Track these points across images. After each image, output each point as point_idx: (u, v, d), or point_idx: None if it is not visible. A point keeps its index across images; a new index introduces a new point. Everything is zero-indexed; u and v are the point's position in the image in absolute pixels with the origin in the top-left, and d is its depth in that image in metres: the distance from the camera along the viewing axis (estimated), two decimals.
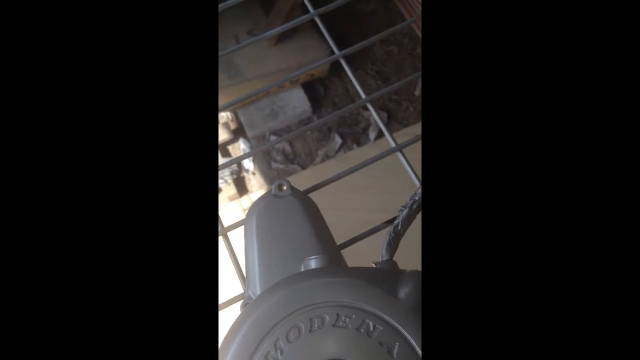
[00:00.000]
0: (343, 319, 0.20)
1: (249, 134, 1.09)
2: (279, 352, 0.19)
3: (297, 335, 0.20)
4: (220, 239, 0.29)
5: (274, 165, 1.11)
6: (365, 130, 1.14)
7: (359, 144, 1.12)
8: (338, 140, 1.12)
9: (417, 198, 0.28)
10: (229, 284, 0.31)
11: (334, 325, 0.20)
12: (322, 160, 1.11)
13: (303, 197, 0.28)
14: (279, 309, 0.21)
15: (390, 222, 0.28)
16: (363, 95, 0.34)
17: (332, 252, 0.25)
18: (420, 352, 0.18)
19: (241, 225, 0.28)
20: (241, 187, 1.09)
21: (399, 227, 0.27)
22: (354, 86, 1.26)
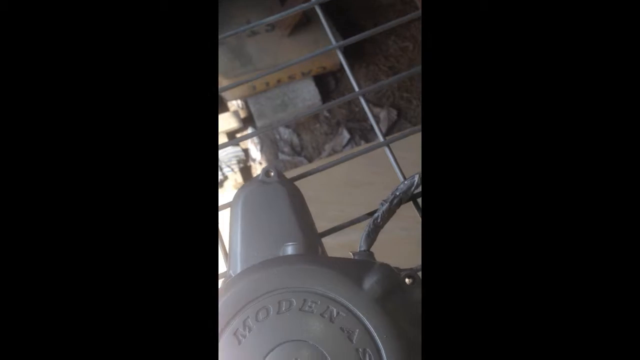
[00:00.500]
0: (309, 304, 0.20)
1: (258, 123, 1.10)
2: (247, 329, 0.20)
3: (265, 315, 0.20)
4: None
5: (281, 156, 1.12)
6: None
7: (367, 140, 1.12)
8: (346, 135, 1.12)
9: (397, 193, 0.28)
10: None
11: (300, 310, 0.20)
12: (329, 155, 1.11)
13: (289, 185, 0.29)
14: (251, 290, 0.21)
15: (370, 214, 0.28)
16: (356, 88, 0.35)
17: (310, 239, 0.26)
18: (379, 340, 0.19)
19: (228, 207, 0.29)
20: (248, 176, 1.10)
21: (378, 220, 0.27)
22: (365, 79, 1.25)
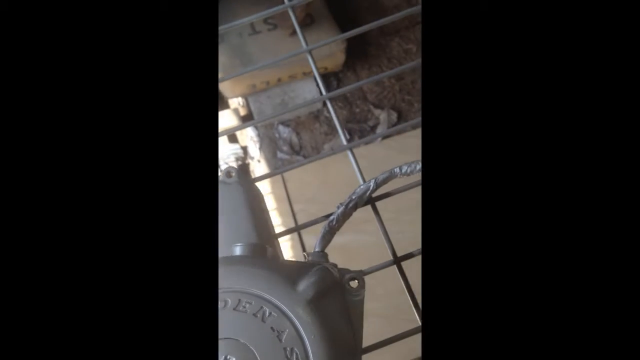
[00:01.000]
0: (243, 304, 0.21)
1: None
2: None
3: None
4: None
5: (279, 154, 1.12)
6: (374, 128, 1.14)
7: (366, 141, 1.12)
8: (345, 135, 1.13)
9: (354, 197, 0.28)
10: None
11: (234, 309, 0.21)
12: (327, 155, 1.12)
13: (247, 185, 0.29)
14: None
15: (327, 217, 0.28)
16: (324, 92, 0.35)
17: (264, 240, 0.26)
18: (307, 340, 0.19)
19: None
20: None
21: (334, 223, 0.28)
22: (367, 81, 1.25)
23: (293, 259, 0.25)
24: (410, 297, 0.28)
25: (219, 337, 0.20)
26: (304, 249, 0.84)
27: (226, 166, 0.29)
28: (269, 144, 1.12)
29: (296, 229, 0.30)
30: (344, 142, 0.33)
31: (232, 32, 1.03)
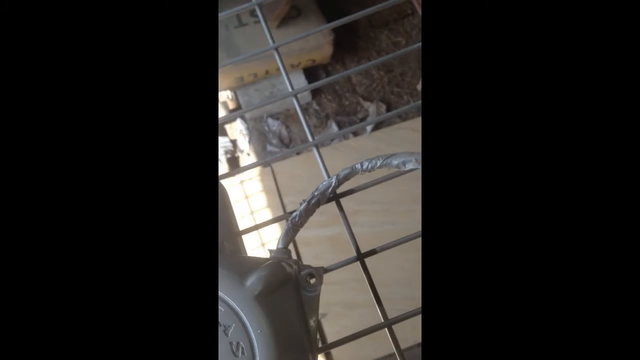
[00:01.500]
0: None
1: (247, 114, 1.11)
2: None
3: None
4: None
5: (269, 147, 1.12)
6: (363, 120, 1.14)
7: (355, 133, 1.12)
8: (335, 128, 1.12)
9: (316, 193, 0.28)
10: None
11: None
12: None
13: None
14: None
15: (290, 214, 0.29)
16: (289, 88, 0.35)
17: (222, 237, 0.27)
18: (253, 334, 0.20)
19: None
20: (235, 167, 1.11)
21: (296, 219, 0.28)
22: (356, 74, 1.25)
23: (255, 256, 0.25)
24: (373, 292, 0.28)
25: None
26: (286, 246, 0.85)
27: None
28: (259, 137, 1.12)
29: (258, 227, 0.30)
30: (310, 139, 0.33)
31: (218, 24, 1.02)
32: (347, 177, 0.29)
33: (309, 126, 0.33)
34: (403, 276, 1.00)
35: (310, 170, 1.13)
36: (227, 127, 1.14)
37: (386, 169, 0.29)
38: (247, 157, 1.12)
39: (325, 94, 1.16)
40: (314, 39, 1.06)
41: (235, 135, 1.14)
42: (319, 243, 1.04)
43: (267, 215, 1.01)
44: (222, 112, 1.11)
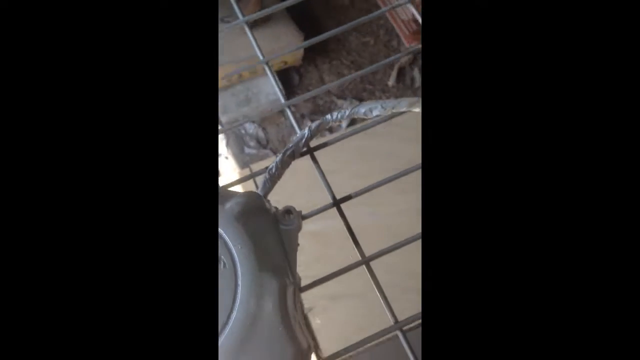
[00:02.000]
0: None
1: (223, 118, 1.12)
2: None
3: None
4: None
5: (247, 150, 1.14)
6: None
7: (331, 131, 1.15)
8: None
9: (291, 146, 0.30)
10: None
11: None
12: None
13: None
14: None
15: (266, 168, 0.30)
16: (283, 100, 0.36)
17: None
18: (233, 249, 0.21)
19: None
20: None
21: (273, 170, 0.30)
22: (329, 74, 1.27)
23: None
24: (351, 236, 0.30)
25: None
26: None
27: None
28: (236, 140, 1.14)
29: (241, 181, 0.31)
30: (282, 100, 0.35)
31: None
32: (318, 129, 0.31)
33: (280, 88, 0.35)
34: (388, 262, 1.02)
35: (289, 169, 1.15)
36: None
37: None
38: (225, 160, 1.13)
39: (300, 95, 1.19)
40: (286, 40, 1.09)
41: None
42: (301, 237, 1.05)
43: None
44: None
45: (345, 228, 0.30)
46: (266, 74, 1.15)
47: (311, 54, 1.21)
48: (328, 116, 0.30)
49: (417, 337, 0.23)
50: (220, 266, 0.21)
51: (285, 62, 1.13)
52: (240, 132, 1.15)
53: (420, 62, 1.22)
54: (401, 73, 1.21)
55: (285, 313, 0.21)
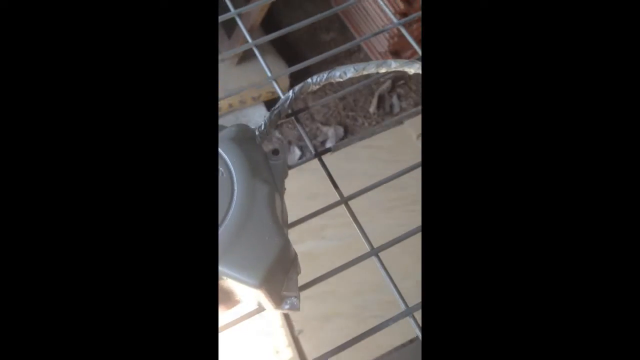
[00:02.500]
0: None
1: None
2: None
3: None
4: None
5: None
6: (323, 143, 1.22)
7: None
8: (297, 152, 1.20)
9: (277, 106, 0.35)
10: None
11: None
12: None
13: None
14: None
15: (258, 127, 0.35)
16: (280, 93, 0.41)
17: None
18: (230, 162, 0.25)
19: None
20: None
21: (262, 128, 0.34)
22: (312, 100, 1.34)
23: None
24: (333, 186, 0.34)
25: None
26: None
27: None
28: None
29: None
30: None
31: None
32: (301, 91, 0.35)
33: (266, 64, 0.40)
34: (377, 281, 1.04)
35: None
36: None
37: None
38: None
39: (287, 123, 1.25)
40: (273, 73, 1.16)
41: None
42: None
43: None
44: None
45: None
46: (255, 104, 1.20)
47: (297, 83, 1.28)
48: (309, 80, 0.35)
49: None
50: (220, 175, 0.24)
51: (273, 93, 1.19)
52: None
53: (398, 90, 1.30)
54: (381, 100, 1.29)
55: (274, 212, 0.24)
